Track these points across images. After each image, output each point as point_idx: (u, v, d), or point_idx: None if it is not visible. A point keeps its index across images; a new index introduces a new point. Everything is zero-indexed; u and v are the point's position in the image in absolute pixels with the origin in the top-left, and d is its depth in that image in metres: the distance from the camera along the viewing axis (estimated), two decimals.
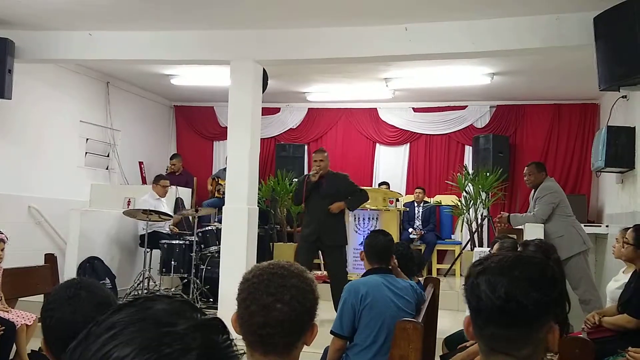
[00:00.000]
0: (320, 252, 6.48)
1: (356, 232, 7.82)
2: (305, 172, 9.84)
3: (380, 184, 9.41)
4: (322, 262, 6.55)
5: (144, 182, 9.58)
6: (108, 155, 9.12)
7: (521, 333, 1.26)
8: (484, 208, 8.46)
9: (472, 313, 1.33)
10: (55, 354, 1.55)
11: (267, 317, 1.47)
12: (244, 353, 0.74)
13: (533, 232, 5.44)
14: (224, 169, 7.65)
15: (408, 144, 9.97)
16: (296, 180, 8.98)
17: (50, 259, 5.67)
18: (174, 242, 7.02)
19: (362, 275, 3.47)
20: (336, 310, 5.62)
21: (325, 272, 7.53)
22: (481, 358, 1.39)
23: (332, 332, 3.24)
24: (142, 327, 0.66)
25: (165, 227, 7.44)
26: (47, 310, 1.61)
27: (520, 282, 1.26)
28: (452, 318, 5.90)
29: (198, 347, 0.65)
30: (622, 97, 6.76)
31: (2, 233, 4.73)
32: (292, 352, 1.53)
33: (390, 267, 3.57)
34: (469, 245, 8.41)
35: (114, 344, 0.65)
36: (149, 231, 6.97)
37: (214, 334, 0.69)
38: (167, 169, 9.62)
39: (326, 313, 5.26)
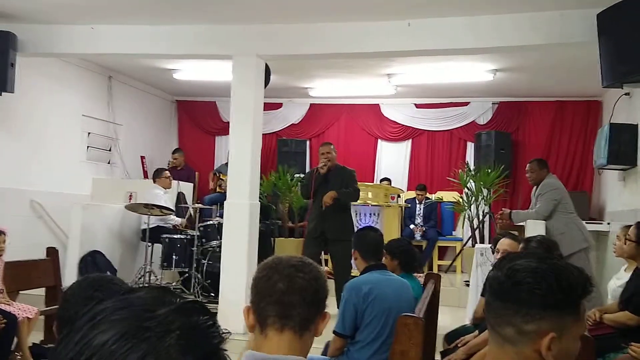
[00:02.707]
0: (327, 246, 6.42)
1: (358, 228, 7.82)
2: (307, 168, 9.87)
3: (381, 180, 9.41)
4: (330, 257, 6.48)
5: (145, 176, 9.58)
6: (110, 150, 9.13)
7: (506, 309, 1.30)
8: (485, 205, 8.45)
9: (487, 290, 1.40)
10: None
11: (290, 284, 1.57)
12: (230, 333, 0.76)
13: (534, 229, 5.43)
14: (226, 164, 7.65)
15: (410, 140, 9.96)
16: (297, 175, 8.99)
17: (52, 252, 5.69)
18: (175, 236, 7.03)
19: (361, 273, 3.44)
20: (338, 307, 5.64)
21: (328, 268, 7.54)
22: (489, 344, 1.40)
23: (334, 332, 3.22)
24: (123, 314, 0.68)
25: (169, 224, 7.44)
26: (63, 302, 1.63)
27: (523, 268, 1.32)
28: (452, 314, 5.91)
29: (178, 329, 0.67)
30: (625, 94, 6.76)
31: None
32: (305, 333, 1.58)
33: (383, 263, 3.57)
34: (470, 241, 8.40)
35: (95, 332, 0.66)
36: (152, 225, 6.98)
37: (194, 315, 0.71)
38: (169, 164, 9.62)
39: (329, 308, 5.27)
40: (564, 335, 1.28)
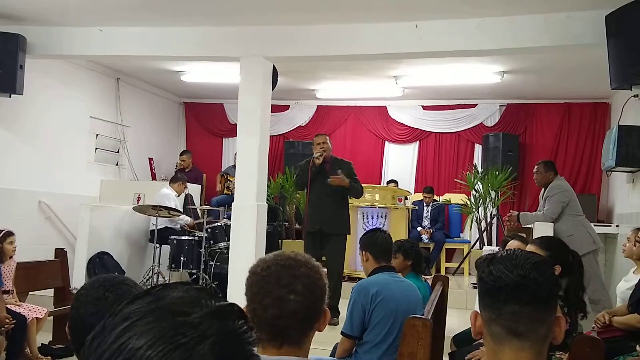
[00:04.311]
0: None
1: (364, 229, 7.79)
2: None
3: (388, 182, 9.40)
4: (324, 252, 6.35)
5: (153, 178, 9.62)
6: (118, 151, 9.16)
7: (540, 310, 1.33)
8: (493, 207, 8.43)
9: (489, 294, 1.38)
10: (74, 342, 1.57)
11: (281, 309, 1.48)
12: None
13: (542, 231, 5.42)
14: (233, 166, 7.67)
15: (417, 142, 9.94)
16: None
17: (61, 253, 5.73)
18: (183, 238, 7.05)
19: (369, 275, 3.44)
20: (331, 302, 5.61)
21: None
22: (489, 351, 1.39)
23: (342, 333, 3.23)
24: (157, 317, 0.67)
25: (178, 225, 7.46)
26: (74, 301, 1.63)
27: (530, 265, 1.36)
28: (460, 316, 5.90)
29: (213, 335, 0.66)
30: (634, 96, 6.72)
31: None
32: (305, 341, 1.55)
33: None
34: (477, 244, 8.38)
35: (129, 335, 0.65)
36: (160, 227, 6.99)
37: (230, 320, 0.70)
38: (176, 166, 9.65)
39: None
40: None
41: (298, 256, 1.59)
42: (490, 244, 8.23)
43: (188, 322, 0.66)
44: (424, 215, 8.92)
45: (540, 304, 1.33)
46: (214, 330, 0.66)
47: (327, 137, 6.12)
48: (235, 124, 6.26)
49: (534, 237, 5.07)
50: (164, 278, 7.00)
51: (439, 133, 9.79)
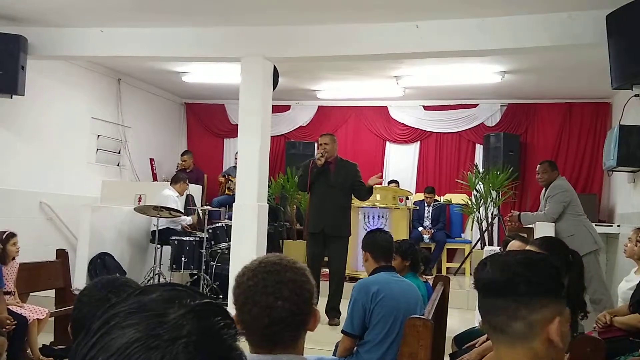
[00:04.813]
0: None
1: (365, 230, 7.79)
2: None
3: (389, 182, 9.40)
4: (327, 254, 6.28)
5: (154, 178, 9.63)
6: (119, 152, 9.17)
7: (508, 304, 1.30)
8: (494, 207, 8.42)
9: (481, 293, 1.40)
10: (74, 340, 1.58)
11: (270, 317, 1.48)
12: (243, 332, 0.73)
13: (544, 231, 5.42)
14: (234, 166, 7.68)
15: (418, 142, 9.94)
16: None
17: (62, 254, 5.73)
18: (184, 238, 7.05)
19: (370, 275, 3.45)
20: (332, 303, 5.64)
21: None
22: (494, 349, 1.40)
23: (343, 332, 3.24)
24: (136, 319, 0.67)
25: (179, 226, 7.46)
26: (77, 301, 1.63)
27: (514, 261, 1.35)
28: (461, 317, 5.90)
29: (186, 336, 0.65)
30: (635, 96, 6.71)
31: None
32: (297, 342, 1.55)
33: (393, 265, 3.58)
34: (479, 244, 8.38)
35: (107, 339, 0.66)
36: (161, 227, 6.99)
37: (207, 318, 0.69)
38: (177, 166, 9.65)
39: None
40: (562, 319, 1.31)
41: (283, 261, 1.58)
42: (491, 244, 8.22)
43: (163, 322, 0.66)
44: (425, 215, 8.92)
45: (509, 298, 1.31)
46: (187, 330, 0.66)
47: (332, 137, 5.97)
48: (236, 125, 6.26)
49: (534, 237, 5.07)
50: (165, 279, 7.00)
51: (440, 133, 9.78)
